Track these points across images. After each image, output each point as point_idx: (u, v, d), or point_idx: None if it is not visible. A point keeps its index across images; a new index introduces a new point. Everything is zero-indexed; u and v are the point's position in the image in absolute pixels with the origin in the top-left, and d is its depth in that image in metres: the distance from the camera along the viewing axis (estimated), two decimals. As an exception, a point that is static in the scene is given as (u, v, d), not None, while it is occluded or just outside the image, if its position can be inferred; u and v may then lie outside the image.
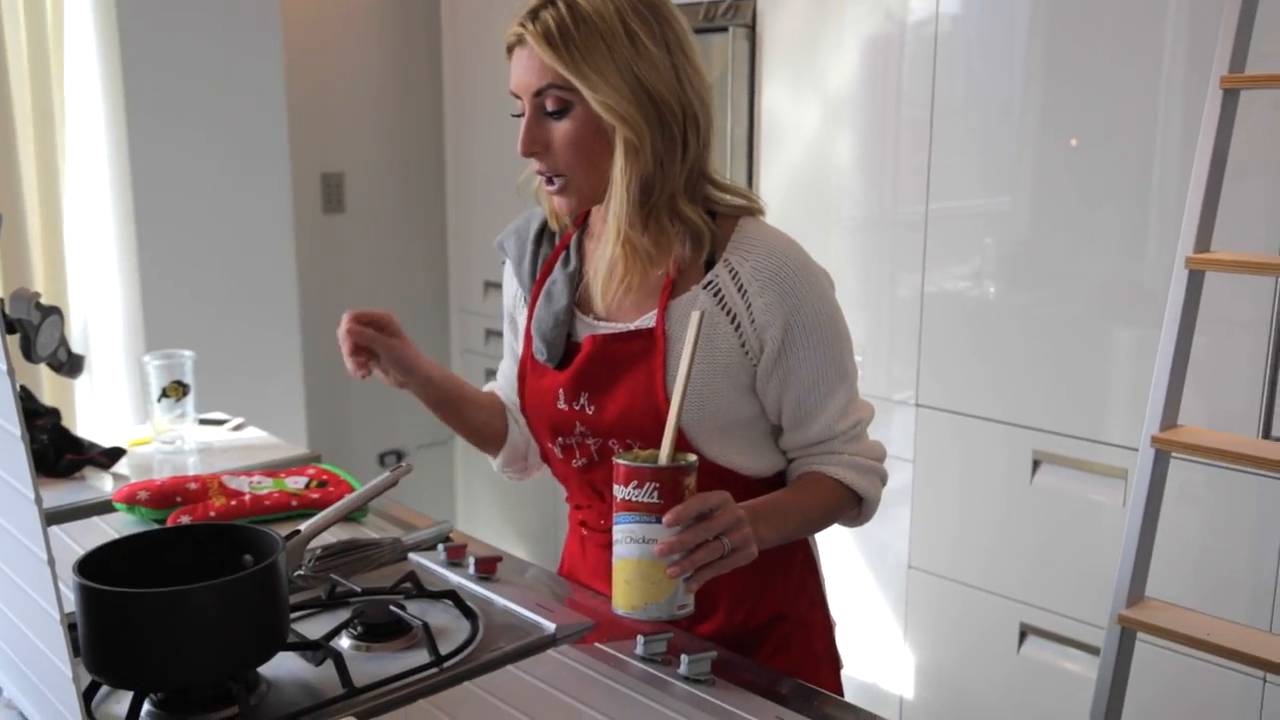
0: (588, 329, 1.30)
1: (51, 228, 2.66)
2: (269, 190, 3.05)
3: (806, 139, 2.58)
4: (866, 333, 2.51)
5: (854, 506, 1.33)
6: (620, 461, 1.10)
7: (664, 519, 1.07)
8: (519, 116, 1.23)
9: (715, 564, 1.09)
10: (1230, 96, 1.64)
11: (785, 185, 2.63)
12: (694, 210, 1.25)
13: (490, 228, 3.48)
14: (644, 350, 1.25)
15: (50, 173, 2.65)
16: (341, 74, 3.42)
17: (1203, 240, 1.66)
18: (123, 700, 1.07)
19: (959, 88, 2.29)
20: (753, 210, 1.30)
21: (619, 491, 1.10)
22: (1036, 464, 2.26)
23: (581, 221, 1.37)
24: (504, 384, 1.51)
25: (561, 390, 1.30)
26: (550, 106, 1.20)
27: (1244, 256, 1.65)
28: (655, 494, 1.07)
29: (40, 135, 2.62)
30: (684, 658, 1.15)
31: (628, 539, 1.09)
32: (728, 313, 1.24)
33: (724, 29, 2.61)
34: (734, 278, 1.24)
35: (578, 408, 1.29)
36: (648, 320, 1.26)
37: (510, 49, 1.23)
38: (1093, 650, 2.12)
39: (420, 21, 3.54)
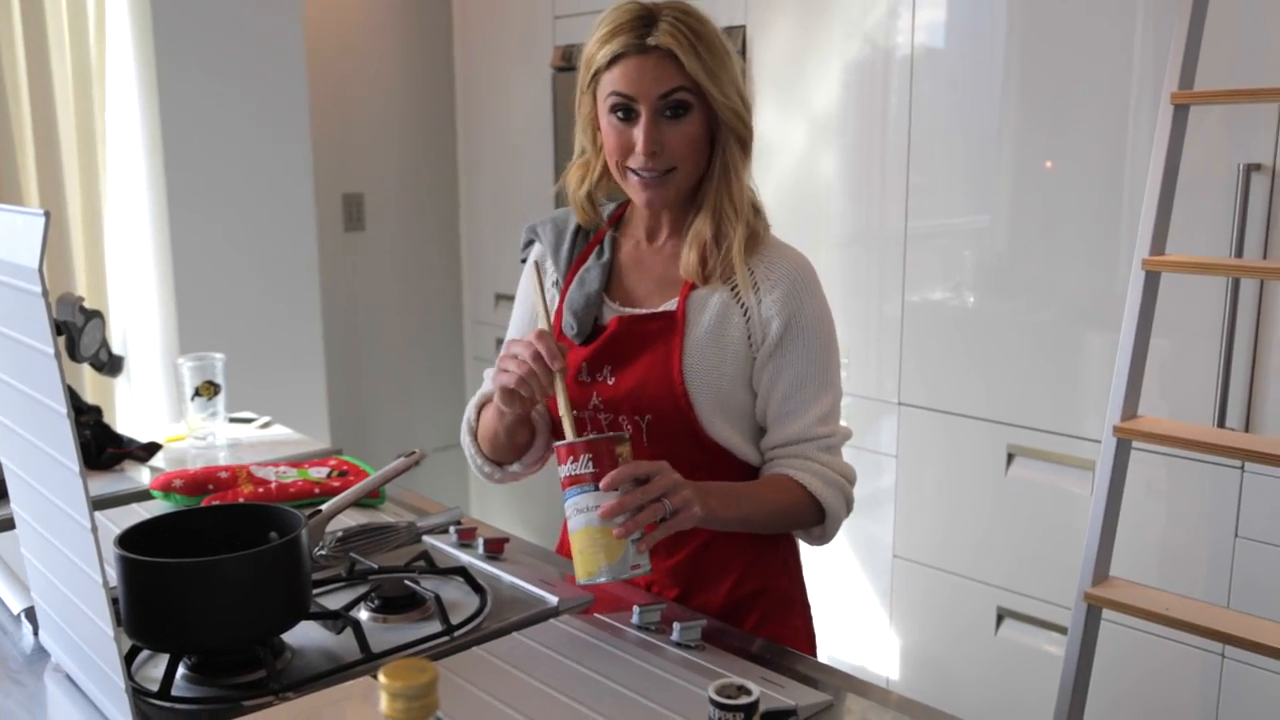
0: (614, 312, 1.36)
1: (93, 240, 2.71)
2: (294, 209, 3.09)
3: (794, 158, 2.61)
4: (853, 338, 2.54)
5: (816, 517, 1.32)
6: (557, 445, 1.14)
7: (600, 483, 1.10)
8: (623, 120, 1.26)
9: (661, 525, 1.12)
10: (1180, 111, 1.67)
11: (774, 201, 2.63)
12: (756, 201, 1.35)
13: (501, 243, 3.53)
14: (664, 330, 1.31)
15: (92, 188, 2.69)
16: (361, 103, 3.46)
17: (1158, 244, 1.69)
18: (160, 663, 1.10)
19: (938, 113, 2.32)
20: (767, 224, 1.38)
21: (561, 471, 1.13)
22: (1010, 457, 2.28)
23: (615, 220, 1.42)
24: None
25: (585, 364, 1.34)
26: (673, 109, 1.24)
27: (1193, 258, 1.68)
28: (590, 464, 1.10)
29: (84, 155, 2.67)
30: (676, 625, 1.17)
31: (575, 511, 1.12)
32: (740, 305, 1.30)
33: (717, 55, 2.65)
34: (751, 275, 1.30)
35: (599, 379, 1.33)
36: (670, 305, 1.33)
37: (617, 59, 1.24)
38: (1065, 631, 2.14)
39: (434, 53, 3.59)
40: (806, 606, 1.45)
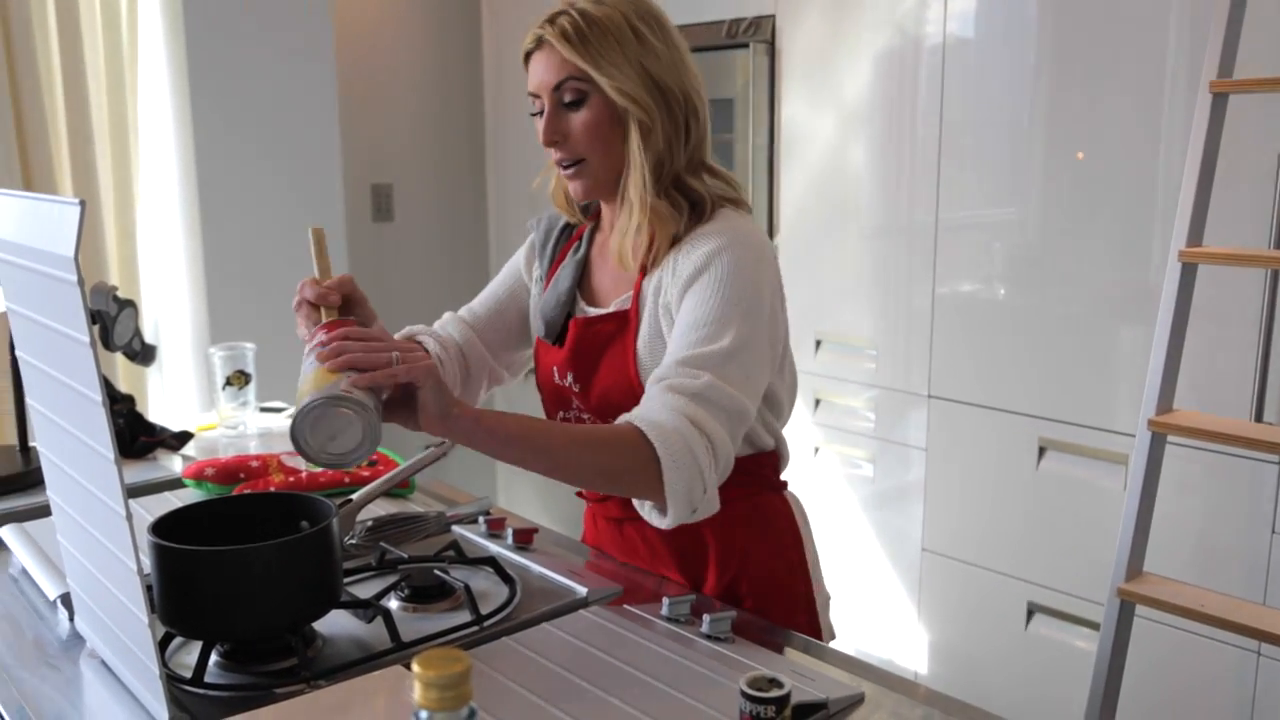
0: (579, 313, 1.35)
1: (125, 230, 2.73)
2: (323, 200, 3.11)
3: (824, 149, 2.60)
4: (880, 330, 2.52)
5: (649, 461, 1.10)
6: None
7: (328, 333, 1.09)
8: (538, 115, 1.29)
9: (383, 372, 1.03)
10: (1219, 100, 1.64)
11: (804, 192, 2.65)
12: (698, 182, 1.29)
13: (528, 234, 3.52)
14: (619, 330, 1.29)
15: (124, 179, 2.72)
16: (390, 94, 3.47)
17: (1194, 235, 1.66)
18: (193, 650, 1.11)
19: (969, 104, 2.30)
20: (737, 202, 1.32)
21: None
22: (1042, 451, 2.26)
23: (596, 217, 1.42)
24: (465, 314, 1.52)
25: (556, 368, 1.35)
26: (568, 98, 1.26)
27: (1231, 250, 1.65)
28: (327, 333, 1.11)
29: (116, 147, 2.69)
30: (706, 617, 1.17)
31: (303, 370, 1.09)
32: (674, 275, 1.25)
33: (745, 45, 2.64)
34: (679, 248, 1.26)
35: (568, 384, 1.33)
36: (624, 303, 1.31)
37: (528, 56, 1.29)
38: (1096, 627, 2.12)
39: (462, 43, 3.59)
40: (813, 602, 1.41)
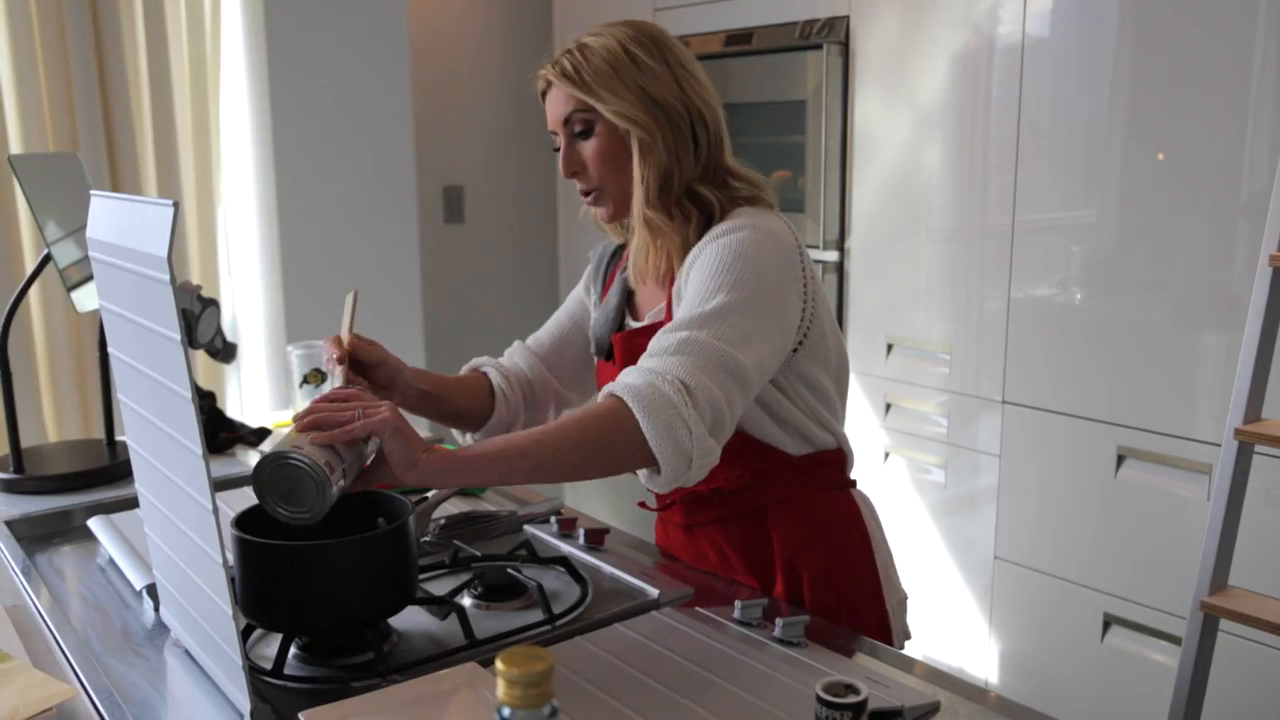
0: (626, 328, 1.38)
1: (206, 230, 2.80)
2: (397, 201, 3.16)
3: (897, 151, 2.57)
4: (954, 334, 2.48)
5: (619, 414, 1.09)
6: None
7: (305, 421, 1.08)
8: (558, 150, 1.35)
9: (340, 430, 1.04)
10: (1316, 99, 1.59)
11: (876, 195, 2.63)
12: (710, 191, 1.32)
13: (597, 238, 3.54)
14: None
15: (206, 181, 2.79)
16: (462, 98, 3.51)
17: (1287, 239, 1.61)
18: (272, 642, 1.14)
19: (1045, 104, 2.25)
20: (756, 199, 1.33)
21: None
22: (1121, 459, 2.21)
23: None
24: (532, 343, 1.57)
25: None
26: (578, 129, 1.32)
27: (1328, 253, 1.60)
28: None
29: (198, 150, 2.76)
30: (779, 621, 1.16)
31: None
32: (684, 270, 1.28)
33: (818, 46, 2.62)
34: (692, 250, 1.29)
35: None
36: (658, 314, 1.34)
37: (542, 95, 1.36)
38: (1177, 641, 2.07)
39: (534, 44, 3.62)
40: (882, 603, 1.39)
